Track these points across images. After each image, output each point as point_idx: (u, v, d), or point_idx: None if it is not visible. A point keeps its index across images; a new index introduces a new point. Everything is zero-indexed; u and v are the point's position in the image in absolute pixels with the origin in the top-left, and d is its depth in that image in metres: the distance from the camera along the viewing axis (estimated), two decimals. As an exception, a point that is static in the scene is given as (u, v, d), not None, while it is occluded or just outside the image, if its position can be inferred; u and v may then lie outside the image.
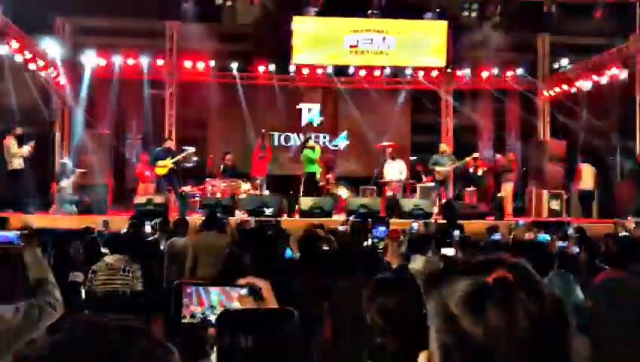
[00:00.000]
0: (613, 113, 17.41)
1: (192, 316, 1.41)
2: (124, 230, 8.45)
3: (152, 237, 8.52)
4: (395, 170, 15.11)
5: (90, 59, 17.19)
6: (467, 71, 19.15)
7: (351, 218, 11.04)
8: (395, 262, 4.64)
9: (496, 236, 8.46)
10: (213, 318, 1.41)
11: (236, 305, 1.40)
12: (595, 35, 18.47)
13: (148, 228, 9.42)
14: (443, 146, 15.18)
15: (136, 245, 6.80)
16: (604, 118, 17.38)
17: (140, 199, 13.27)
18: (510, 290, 0.94)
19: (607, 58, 16.93)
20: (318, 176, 14.71)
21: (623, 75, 16.15)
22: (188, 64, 18.33)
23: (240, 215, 12.70)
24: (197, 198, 14.83)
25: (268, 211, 12.63)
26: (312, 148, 14.76)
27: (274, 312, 1.32)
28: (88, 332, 0.95)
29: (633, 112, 15.99)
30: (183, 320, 1.41)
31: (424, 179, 15.67)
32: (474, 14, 15.45)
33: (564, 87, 18.53)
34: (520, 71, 19.18)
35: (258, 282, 1.38)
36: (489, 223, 11.83)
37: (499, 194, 14.83)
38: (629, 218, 13.09)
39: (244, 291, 1.38)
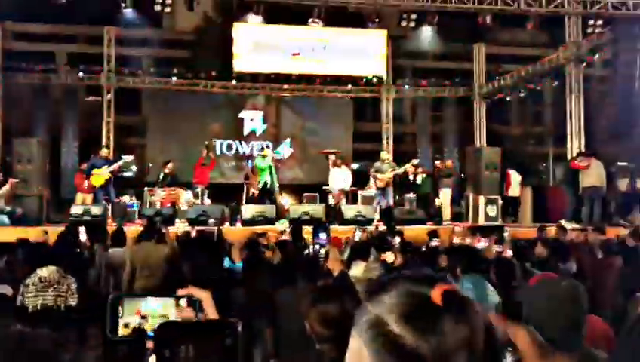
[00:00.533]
0: (546, 120, 18.06)
1: (126, 326, 1.38)
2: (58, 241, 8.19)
3: (87, 249, 8.29)
4: (339, 178, 15.21)
5: (25, 65, 16.63)
6: (407, 79, 19.52)
7: (288, 227, 11.07)
8: (336, 268, 4.67)
9: (435, 241, 8.63)
10: (149, 329, 1.38)
11: (173, 314, 1.37)
12: (529, 46, 19.19)
13: (84, 237, 9.19)
14: (384, 154, 15.38)
15: (71, 257, 6.60)
16: (537, 125, 18.00)
17: (75, 209, 12.89)
18: (463, 303, 0.91)
19: (540, 67, 17.58)
20: (270, 184, 14.49)
21: (555, 83, 16.81)
22: (126, 70, 17.99)
23: (181, 224, 12.51)
24: (135, 208, 14.52)
25: (209, 220, 12.49)
26: (264, 156, 14.56)
27: (215, 323, 1.29)
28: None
29: (564, 120, 16.63)
30: (119, 332, 1.38)
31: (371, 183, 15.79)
32: (412, 24, 15.74)
33: (499, 95, 19.11)
34: (456, 80, 19.68)
35: (198, 293, 1.35)
36: (429, 228, 12.06)
37: (437, 200, 15.13)
38: (562, 222, 13.59)
39: (183, 302, 1.36)
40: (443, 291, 0.91)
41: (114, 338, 1.37)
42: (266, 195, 14.11)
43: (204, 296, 1.36)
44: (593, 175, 13.58)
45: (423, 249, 8.07)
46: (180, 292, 1.36)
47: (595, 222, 12.91)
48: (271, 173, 14.02)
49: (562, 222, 13.60)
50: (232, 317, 1.31)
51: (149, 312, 1.38)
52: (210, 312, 1.36)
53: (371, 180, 14.67)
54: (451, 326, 0.88)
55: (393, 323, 0.90)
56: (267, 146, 18.92)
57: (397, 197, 15.66)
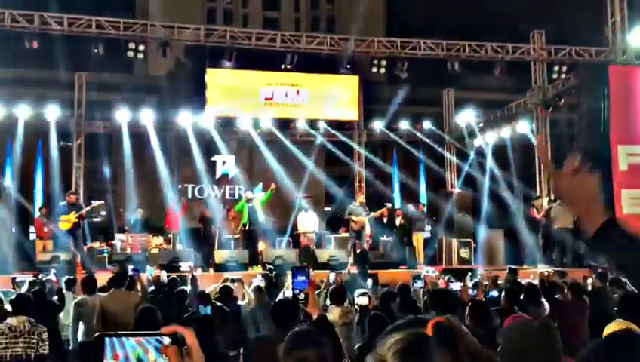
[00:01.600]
0: (515, 163, 18.36)
1: None
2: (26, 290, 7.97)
3: (56, 297, 8.07)
4: (309, 221, 15.19)
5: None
6: (378, 123, 19.77)
7: (262, 273, 10.96)
8: (315, 312, 4.62)
9: (419, 283, 8.61)
10: None
11: (153, 357, 1.33)
12: (496, 91, 19.65)
13: (53, 277, 9.03)
14: (361, 198, 15.42)
15: (41, 305, 6.43)
16: (507, 169, 18.29)
17: (43, 256, 12.62)
18: (451, 331, 1.00)
19: (508, 112, 17.99)
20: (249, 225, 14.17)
21: (523, 127, 17.20)
22: (97, 115, 17.89)
23: (152, 270, 12.29)
24: (105, 254, 14.26)
25: (182, 265, 12.32)
26: (248, 199, 14.29)
27: None
28: None
29: (532, 164, 16.96)
30: None
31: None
32: (382, 70, 16.05)
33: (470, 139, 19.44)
34: (427, 124, 19.99)
35: (182, 330, 1.31)
36: (402, 272, 12.05)
37: (411, 243, 15.17)
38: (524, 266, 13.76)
39: (167, 340, 1.32)
40: (434, 323, 1.02)
41: None
42: (249, 237, 13.87)
43: (188, 332, 1.33)
44: (563, 218, 13.82)
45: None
46: (164, 330, 1.33)
47: (566, 264, 13.09)
48: (255, 213, 13.77)
49: (524, 266, 13.79)
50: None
51: (126, 353, 1.34)
52: (195, 350, 1.33)
53: (350, 223, 14.61)
54: (440, 353, 0.98)
55: (391, 359, 1.01)
56: (240, 190, 18.88)
57: (371, 240, 15.68)
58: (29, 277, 9.62)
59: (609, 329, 4.51)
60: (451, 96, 20.69)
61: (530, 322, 4.00)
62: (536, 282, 8.73)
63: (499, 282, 9.00)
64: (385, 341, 1.02)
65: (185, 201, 15.74)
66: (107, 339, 1.33)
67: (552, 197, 14.62)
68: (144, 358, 1.32)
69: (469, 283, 8.40)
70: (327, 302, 6.69)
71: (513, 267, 10.45)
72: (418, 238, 15.37)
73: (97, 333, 1.39)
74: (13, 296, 6.63)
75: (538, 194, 16.25)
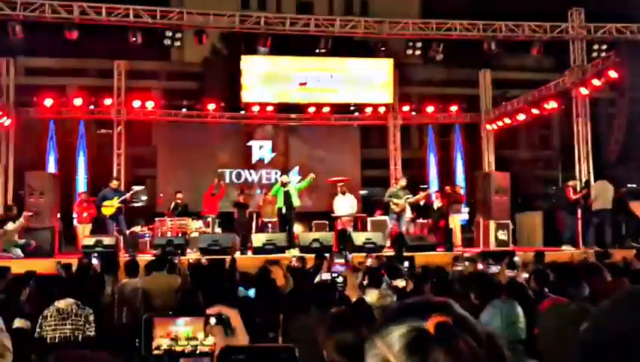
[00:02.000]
0: (554, 144, 18.06)
1: (157, 348, 1.42)
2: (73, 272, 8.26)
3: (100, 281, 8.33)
4: (345, 205, 15.25)
5: (38, 99, 16.87)
6: (414, 106, 19.66)
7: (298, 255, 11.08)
8: (354, 295, 4.69)
9: (459, 266, 8.57)
10: (179, 350, 1.42)
11: (201, 336, 1.41)
12: (534, 71, 19.33)
13: (95, 261, 9.29)
14: (403, 181, 15.31)
15: (86, 288, 6.65)
16: (545, 149, 18.02)
17: (87, 241, 12.96)
18: (453, 334, 0.97)
19: (546, 92, 17.67)
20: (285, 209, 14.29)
21: (562, 107, 16.90)
22: (136, 103, 18.21)
23: (192, 254, 12.55)
24: (147, 238, 14.60)
25: (221, 249, 12.53)
26: (284, 183, 14.38)
27: (273, 348, 1.32)
28: None
29: (571, 143, 16.66)
30: (154, 352, 1.42)
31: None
32: (418, 52, 15.91)
33: (507, 120, 19.18)
34: (464, 105, 19.79)
35: (227, 311, 1.38)
36: (439, 254, 12.04)
37: (448, 226, 15.11)
38: (562, 247, 13.58)
39: (212, 320, 1.39)
40: (436, 323, 0.98)
41: (149, 357, 1.41)
42: (285, 221, 13.98)
43: (233, 313, 1.39)
44: (602, 199, 13.58)
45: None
46: (209, 311, 1.39)
47: (607, 244, 12.89)
48: (289, 198, 13.86)
49: (563, 246, 13.60)
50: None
51: (178, 334, 1.41)
52: (240, 331, 1.40)
53: (391, 205, 14.54)
54: (443, 356, 0.95)
55: (392, 358, 0.98)
56: (276, 174, 19.07)
57: (413, 224, 15.67)
58: (73, 261, 9.94)
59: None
60: (488, 77, 20.41)
61: (567, 305, 4.01)
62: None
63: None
64: (384, 336, 1.00)
65: (223, 186, 15.94)
66: (159, 319, 1.41)
67: (586, 179, 14.36)
68: (194, 337, 1.40)
69: (506, 266, 8.36)
70: (365, 283, 6.76)
71: (540, 251, 10.35)
72: (455, 221, 15.29)
73: (148, 313, 1.47)
74: (61, 279, 6.89)
75: (576, 175, 15.99)
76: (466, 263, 8.46)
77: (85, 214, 14.67)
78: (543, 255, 9.84)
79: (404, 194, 14.66)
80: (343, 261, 7.81)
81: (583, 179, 15.78)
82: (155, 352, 1.39)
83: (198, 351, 1.40)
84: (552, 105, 16.90)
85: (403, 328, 0.99)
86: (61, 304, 5.64)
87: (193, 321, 1.41)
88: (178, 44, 14.93)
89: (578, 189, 14.54)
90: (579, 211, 14.38)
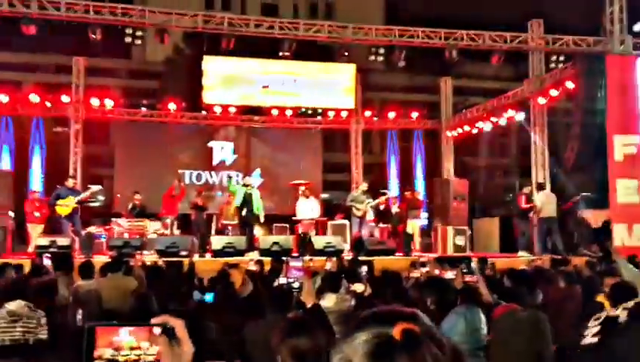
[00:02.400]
0: (512, 152, 18.41)
1: (100, 358, 1.38)
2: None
3: (53, 282, 8.13)
4: (307, 208, 15.26)
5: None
6: (375, 111, 19.81)
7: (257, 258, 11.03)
8: (309, 300, 4.69)
9: (416, 273, 8.65)
10: (120, 359, 1.39)
11: (145, 346, 1.38)
12: (493, 79, 19.70)
13: (47, 261, 9.09)
14: (363, 185, 15.46)
15: (39, 290, 6.48)
16: (504, 156, 18.35)
17: (41, 241, 12.66)
18: (418, 341, 0.98)
19: (505, 101, 18.02)
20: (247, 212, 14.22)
21: (519, 116, 17.25)
22: (95, 101, 17.88)
23: (149, 256, 12.37)
24: (103, 239, 14.33)
25: (179, 251, 12.38)
26: (246, 185, 14.33)
27: None
28: None
29: (529, 152, 17.01)
30: (100, 358, 1.39)
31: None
32: (380, 58, 16.03)
33: (467, 127, 19.48)
34: (423, 113, 20.04)
35: (172, 321, 1.35)
36: (398, 259, 12.14)
37: (407, 231, 15.25)
38: (518, 253, 13.91)
39: (157, 330, 1.36)
40: (402, 329, 0.98)
41: None
42: (245, 224, 13.94)
43: (178, 323, 1.37)
44: (549, 207, 14.00)
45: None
46: (154, 320, 1.37)
47: (560, 251, 13.21)
48: (251, 201, 13.85)
49: (519, 253, 13.93)
50: (204, 349, 1.32)
51: (121, 343, 1.39)
52: (185, 341, 1.38)
53: (353, 210, 14.66)
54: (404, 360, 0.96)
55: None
56: (237, 176, 18.96)
57: (374, 226, 15.78)
58: (25, 262, 9.69)
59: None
60: (449, 85, 20.71)
61: (519, 312, 4.08)
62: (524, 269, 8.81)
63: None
64: (350, 341, 1.00)
65: (183, 187, 15.77)
66: (99, 328, 1.38)
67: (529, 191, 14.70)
68: (137, 346, 1.37)
69: (462, 271, 8.46)
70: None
71: (483, 257, 10.54)
72: (414, 226, 15.45)
73: (89, 323, 1.44)
74: (12, 281, 6.70)
75: (527, 183, 16.33)
76: (422, 269, 8.55)
77: (37, 214, 14.26)
78: (486, 260, 10.02)
79: (366, 198, 14.78)
80: (299, 265, 7.81)
81: (548, 187, 16.14)
82: None
83: (141, 361, 1.36)
84: (511, 113, 17.25)
85: (369, 333, 0.99)
86: (12, 306, 5.47)
87: (137, 330, 1.38)
88: (139, 42, 14.71)
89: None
90: (533, 219, 14.74)
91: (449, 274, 7.86)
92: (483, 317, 3.59)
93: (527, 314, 3.21)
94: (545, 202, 14.17)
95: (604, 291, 5.05)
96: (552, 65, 16.35)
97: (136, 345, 1.37)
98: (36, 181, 18.27)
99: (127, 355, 1.36)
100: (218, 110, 18.37)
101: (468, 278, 7.60)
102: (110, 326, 1.39)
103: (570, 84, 15.56)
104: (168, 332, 1.35)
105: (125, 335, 1.37)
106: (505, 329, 2.76)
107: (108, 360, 1.36)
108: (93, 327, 1.38)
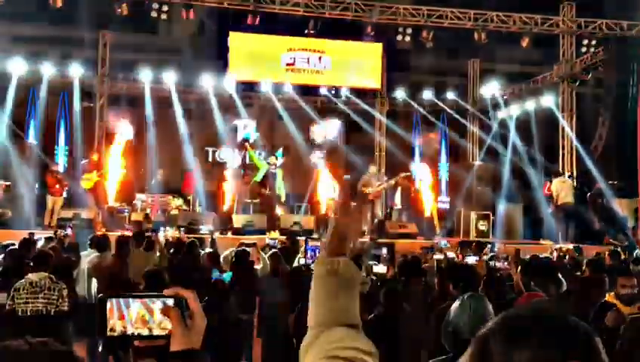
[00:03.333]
0: (539, 137, 18.10)
1: (112, 329, 1.35)
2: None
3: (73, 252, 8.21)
4: (328, 189, 15.21)
5: (18, 67, 16.45)
6: (401, 92, 19.58)
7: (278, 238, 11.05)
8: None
9: (437, 256, 8.56)
10: (131, 332, 1.35)
11: (157, 318, 1.35)
12: (522, 63, 19.33)
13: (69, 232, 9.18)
14: (372, 168, 15.28)
15: (60, 262, 6.54)
16: (529, 142, 18.05)
17: (65, 213, 12.82)
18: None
19: (534, 85, 17.69)
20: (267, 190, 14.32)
21: (548, 101, 16.93)
22: (120, 75, 17.93)
23: (171, 231, 12.44)
24: (126, 213, 14.44)
25: (201, 228, 12.44)
26: (271, 163, 14.44)
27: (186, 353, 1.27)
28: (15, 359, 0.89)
29: (557, 137, 16.72)
30: (108, 333, 1.35)
31: None
32: (408, 39, 15.81)
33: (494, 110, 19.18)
34: (451, 94, 19.76)
35: (184, 292, 1.31)
36: (418, 242, 12.05)
37: (428, 214, 15.14)
38: (541, 241, 13.77)
39: (169, 302, 1.33)
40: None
41: (102, 339, 1.36)
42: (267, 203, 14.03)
43: (191, 295, 1.33)
44: (565, 194, 13.81)
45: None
46: (166, 292, 1.34)
47: (573, 239, 13.08)
48: (274, 180, 13.97)
49: (541, 240, 13.77)
50: (221, 325, 1.27)
51: (132, 316, 1.35)
52: (197, 312, 1.34)
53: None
54: None
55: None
56: (260, 155, 18.91)
57: (389, 210, 15.66)
58: (48, 234, 9.80)
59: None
60: (477, 67, 20.38)
61: (544, 301, 3.99)
62: (553, 257, 8.69)
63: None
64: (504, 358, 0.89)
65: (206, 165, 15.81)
66: (113, 300, 1.34)
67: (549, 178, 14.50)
68: (149, 319, 1.33)
69: (486, 258, 8.37)
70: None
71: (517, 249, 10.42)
72: (433, 209, 15.32)
73: (101, 294, 1.41)
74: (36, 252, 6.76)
75: (559, 170, 16.05)
76: (442, 254, 8.46)
77: (57, 186, 14.24)
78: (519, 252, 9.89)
79: (376, 180, 14.67)
80: (318, 244, 7.79)
81: (566, 174, 15.86)
82: (110, 334, 1.33)
83: (151, 334, 1.33)
84: (547, 98, 16.93)
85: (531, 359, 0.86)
86: (34, 277, 5.53)
87: (148, 303, 1.34)
88: (165, 17, 14.69)
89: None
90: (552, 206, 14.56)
91: (471, 259, 7.76)
92: (490, 306, 3.52)
93: (549, 304, 3.11)
94: (560, 189, 13.98)
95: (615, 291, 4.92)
96: (584, 49, 15.99)
97: (147, 318, 1.34)
98: (61, 155, 18.41)
99: (138, 328, 1.34)
100: (242, 87, 18.31)
101: (497, 264, 7.51)
102: (122, 297, 1.36)
103: (601, 70, 15.19)
104: (180, 304, 1.32)
105: (136, 308, 1.34)
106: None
107: (119, 332, 1.34)
108: (105, 299, 1.35)
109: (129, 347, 1.36)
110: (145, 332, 1.33)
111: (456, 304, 3.16)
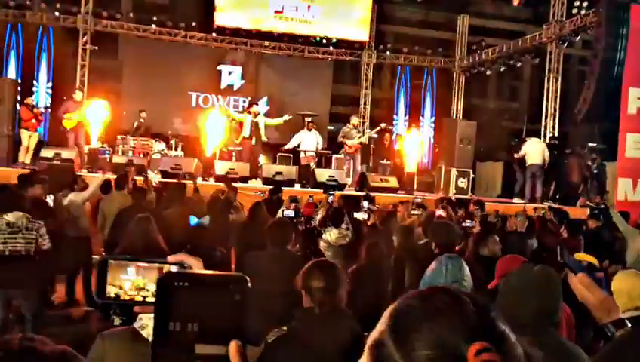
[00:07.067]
0: (522, 97, 18.16)
1: (109, 292, 1.32)
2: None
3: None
4: (311, 140, 15.17)
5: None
6: (389, 45, 19.42)
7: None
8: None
9: (416, 211, 8.53)
10: (126, 298, 1.32)
11: (152, 287, 1.30)
12: (512, 21, 19.20)
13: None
14: (354, 119, 15.22)
15: (36, 201, 6.50)
16: (514, 100, 18.10)
17: (46, 152, 12.66)
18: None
19: (522, 45, 17.61)
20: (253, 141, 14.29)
21: (536, 60, 16.92)
22: (105, 13, 17.53)
23: (153, 175, 12.38)
24: (107, 155, 14.30)
25: (182, 173, 12.38)
26: (254, 114, 14.30)
27: (223, 277, 1.18)
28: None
29: (541, 97, 16.77)
30: (107, 294, 1.33)
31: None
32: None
33: (480, 68, 19.14)
34: (439, 50, 19.65)
35: (189, 260, 1.23)
36: (398, 197, 12.13)
37: (409, 170, 15.20)
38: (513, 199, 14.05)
39: (173, 268, 1.28)
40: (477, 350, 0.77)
41: (101, 301, 1.32)
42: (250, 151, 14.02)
43: (196, 263, 1.27)
44: (535, 155, 13.98)
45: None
46: (171, 259, 1.28)
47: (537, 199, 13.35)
48: (256, 128, 13.91)
49: (514, 199, 14.02)
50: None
51: (127, 282, 1.31)
52: None
53: (344, 146, 14.65)
54: None
55: None
56: (244, 102, 18.73)
57: (370, 163, 15.72)
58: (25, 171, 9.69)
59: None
60: (466, 23, 20.22)
61: (530, 268, 4.06)
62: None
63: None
64: (405, 349, 0.81)
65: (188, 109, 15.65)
66: (112, 262, 1.30)
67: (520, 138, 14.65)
68: (142, 287, 1.30)
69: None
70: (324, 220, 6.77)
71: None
72: (414, 165, 15.39)
73: (102, 257, 1.38)
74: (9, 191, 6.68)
75: (541, 130, 16.16)
76: (421, 209, 8.51)
77: (33, 121, 13.91)
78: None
79: (357, 132, 14.66)
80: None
81: (548, 135, 15.99)
82: (108, 298, 1.30)
83: (147, 301, 1.29)
84: (526, 58, 16.89)
85: (431, 349, 0.78)
86: (9, 217, 5.41)
87: (147, 269, 1.30)
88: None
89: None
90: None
91: (467, 223, 7.67)
92: (467, 268, 3.60)
93: (537, 269, 3.19)
94: (531, 150, 14.14)
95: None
96: (575, 10, 15.89)
97: (142, 285, 1.30)
98: (42, 92, 18.09)
99: (133, 295, 1.30)
100: (228, 33, 18.01)
101: (468, 224, 7.57)
102: (123, 260, 1.32)
103: (590, 32, 15.14)
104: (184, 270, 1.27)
105: (132, 274, 1.30)
106: (513, 283, 2.71)
107: (112, 297, 1.30)
108: (106, 261, 1.31)
109: (129, 311, 1.34)
110: (139, 299, 1.30)
111: (433, 264, 3.23)
